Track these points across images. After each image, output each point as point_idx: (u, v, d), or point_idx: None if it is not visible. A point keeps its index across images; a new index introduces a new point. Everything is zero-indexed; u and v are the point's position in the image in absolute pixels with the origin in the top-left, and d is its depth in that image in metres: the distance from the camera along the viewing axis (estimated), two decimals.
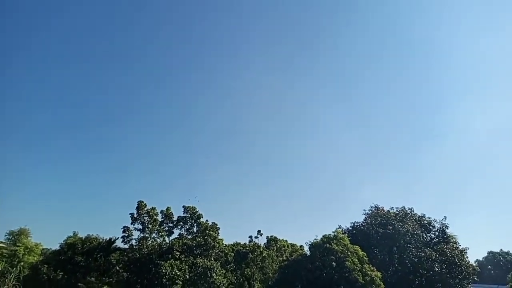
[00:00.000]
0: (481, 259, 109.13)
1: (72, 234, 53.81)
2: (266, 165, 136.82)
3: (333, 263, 37.17)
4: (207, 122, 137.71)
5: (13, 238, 55.31)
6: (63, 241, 46.63)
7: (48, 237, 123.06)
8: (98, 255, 42.27)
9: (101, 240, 44.80)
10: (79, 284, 37.76)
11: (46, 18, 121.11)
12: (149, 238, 44.85)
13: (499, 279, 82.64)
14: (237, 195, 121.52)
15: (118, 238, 44.48)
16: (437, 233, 49.59)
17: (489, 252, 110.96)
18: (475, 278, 47.96)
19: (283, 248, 58.54)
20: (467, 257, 47.37)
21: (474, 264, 50.58)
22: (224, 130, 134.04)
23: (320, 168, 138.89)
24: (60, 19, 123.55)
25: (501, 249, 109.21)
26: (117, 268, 42.30)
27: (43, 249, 56.21)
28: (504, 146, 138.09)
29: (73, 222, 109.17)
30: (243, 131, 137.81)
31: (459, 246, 47.57)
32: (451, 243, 47.50)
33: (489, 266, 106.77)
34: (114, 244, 44.69)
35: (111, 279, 40.11)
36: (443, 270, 44.21)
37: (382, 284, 37.53)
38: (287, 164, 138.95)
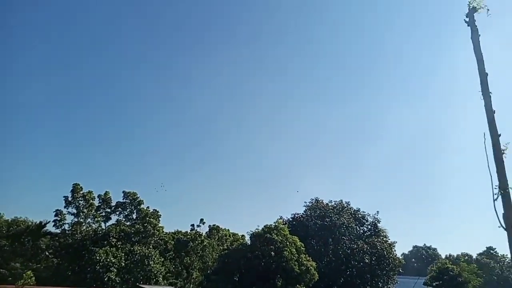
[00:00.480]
0: (406, 253, 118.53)
1: None
2: (212, 155, 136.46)
3: (272, 252, 38.13)
4: (155, 110, 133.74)
5: None
6: None
7: None
8: (26, 239, 39.44)
9: (30, 223, 41.91)
10: (1, 270, 34.98)
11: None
12: (83, 223, 42.91)
13: (421, 271, 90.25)
14: (181, 184, 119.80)
15: (49, 222, 41.86)
16: (369, 227, 52.80)
17: (414, 246, 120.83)
18: (401, 270, 51.97)
19: (224, 237, 58.89)
20: (395, 250, 51.09)
21: (400, 257, 54.65)
22: (170, 120, 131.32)
23: (264, 161, 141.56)
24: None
25: (424, 244, 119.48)
26: (47, 253, 39.91)
27: None
28: (430, 147, 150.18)
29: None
30: (190, 122, 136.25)
31: (388, 240, 51.07)
32: (382, 237, 50.81)
33: (413, 259, 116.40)
34: (44, 228, 41.88)
35: (39, 265, 37.69)
36: (372, 261, 47.22)
37: (316, 274, 39.27)
38: (234, 156, 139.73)
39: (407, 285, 60.84)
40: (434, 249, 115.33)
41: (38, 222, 42.27)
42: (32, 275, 33.07)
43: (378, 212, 53.16)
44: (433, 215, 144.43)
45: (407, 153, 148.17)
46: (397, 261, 49.86)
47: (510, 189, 8.35)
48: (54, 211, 41.81)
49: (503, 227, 8.59)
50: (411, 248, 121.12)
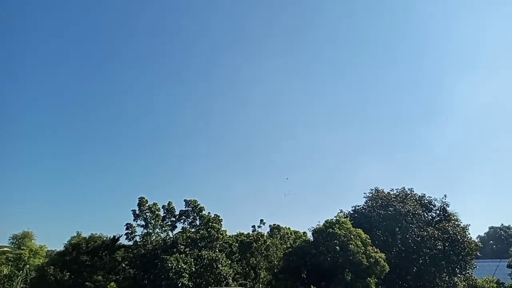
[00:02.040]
0: (482, 235, 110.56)
1: (75, 234, 53.96)
2: (266, 156, 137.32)
3: (337, 247, 37.45)
4: (204, 116, 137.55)
5: (17, 242, 55.43)
6: (67, 241, 46.84)
7: (52, 238, 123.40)
8: (103, 254, 42.46)
9: (105, 238, 44.98)
10: (86, 283, 37.98)
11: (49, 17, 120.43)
12: (152, 234, 45.05)
13: (501, 253, 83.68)
14: (237, 186, 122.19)
15: (121, 235, 44.66)
16: (438, 212, 49.92)
17: (490, 227, 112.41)
18: (478, 254, 48.43)
19: (286, 236, 58.85)
20: (469, 234, 47.73)
21: (476, 240, 51.02)
22: (220, 125, 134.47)
23: (319, 154, 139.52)
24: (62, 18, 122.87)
25: (502, 224, 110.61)
26: (123, 265, 42.53)
27: (48, 251, 56.46)
28: (502, 121, 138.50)
29: (76, 223, 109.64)
30: (239, 124, 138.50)
31: (461, 223, 47.95)
32: (453, 221, 47.84)
33: (491, 241, 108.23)
34: (118, 242, 44.88)
35: (118, 276, 40.38)
36: (446, 247, 44.61)
37: (386, 265, 37.91)
38: (285, 152, 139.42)
39: (487, 269, 56.88)
40: None
41: (112, 236, 45.43)
42: (115, 286, 35.45)
43: (445, 196, 50.23)
44: (509, 193, 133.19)
45: (469, 129, 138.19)
46: (473, 245, 46.57)
47: None
48: (125, 225, 44.40)
49: None
50: (487, 230, 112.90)
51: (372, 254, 37.87)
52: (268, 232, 57.39)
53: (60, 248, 47.44)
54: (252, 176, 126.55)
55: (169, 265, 39.35)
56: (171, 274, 38.99)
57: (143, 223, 44.70)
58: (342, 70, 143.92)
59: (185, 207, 47.49)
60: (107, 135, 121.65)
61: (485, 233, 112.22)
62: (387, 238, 45.47)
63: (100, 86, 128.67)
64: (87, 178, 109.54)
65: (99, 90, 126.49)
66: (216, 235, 45.73)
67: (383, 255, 38.60)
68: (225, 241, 47.87)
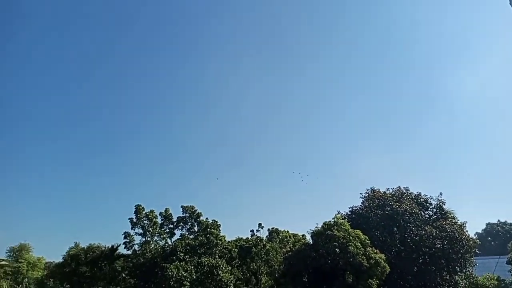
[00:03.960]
0: (480, 232, 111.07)
1: (74, 245, 53.46)
2: (262, 163, 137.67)
3: (337, 249, 37.41)
4: (200, 126, 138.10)
5: (14, 255, 54.89)
6: (66, 253, 46.41)
7: (50, 250, 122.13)
8: (103, 264, 42.26)
9: (103, 248, 44.74)
10: None
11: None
12: (151, 242, 44.78)
13: (499, 249, 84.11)
14: (234, 191, 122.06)
15: (120, 244, 44.45)
16: (434, 210, 49.93)
17: (487, 224, 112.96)
18: (477, 251, 48.54)
19: (285, 239, 58.64)
20: (467, 231, 47.76)
21: (474, 237, 51.13)
22: (218, 131, 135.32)
23: (313, 156, 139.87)
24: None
25: (499, 220, 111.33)
26: (123, 275, 42.32)
27: (46, 262, 55.92)
28: (499, 115, 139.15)
29: (74, 233, 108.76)
30: (237, 131, 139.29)
31: (458, 221, 48.07)
32: (450, 219, 47.95)
33: (489, 238, 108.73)
34: (117, 251, 44.67)
35: (118, 287, 40.20)
36: (445, 246, 44.67)
37: (387, 266, 37.90)
38: (280, 157, 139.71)
39: (487, 266, 57.00)
40: (511, 224, 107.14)
41: (110, 246, 45.18)
42: None
43: (441, 193, 50.34)
44: (504, 188, 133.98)
45: (468, 124, 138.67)
46: (471, 242, 46.60)
47: None
48: (122, 234, 44.14)
49: None
50: (484, 226, 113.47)
51: (372, 255, 37.87)
52: (267, 236, 57.20)
53: (58, 259, 47.11)
54: (250, 180, 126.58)
55: (170, 273, 39.14)
56: (172, 283, 38.79)
57: (141, 231, 44.43)
58: (338, 70, 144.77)
59: (183, 214, 47.30)
60: (105, 143, 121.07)
61: (482, 230, 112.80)
62: (385, 238, 45.41)
63: (99, 86, 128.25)
64: (84, 187, 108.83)
65: (99, 91, 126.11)
66: (215, 241, 45.56)
67: (383, 255, 38.59)
68: (224, 246, 47.69)
